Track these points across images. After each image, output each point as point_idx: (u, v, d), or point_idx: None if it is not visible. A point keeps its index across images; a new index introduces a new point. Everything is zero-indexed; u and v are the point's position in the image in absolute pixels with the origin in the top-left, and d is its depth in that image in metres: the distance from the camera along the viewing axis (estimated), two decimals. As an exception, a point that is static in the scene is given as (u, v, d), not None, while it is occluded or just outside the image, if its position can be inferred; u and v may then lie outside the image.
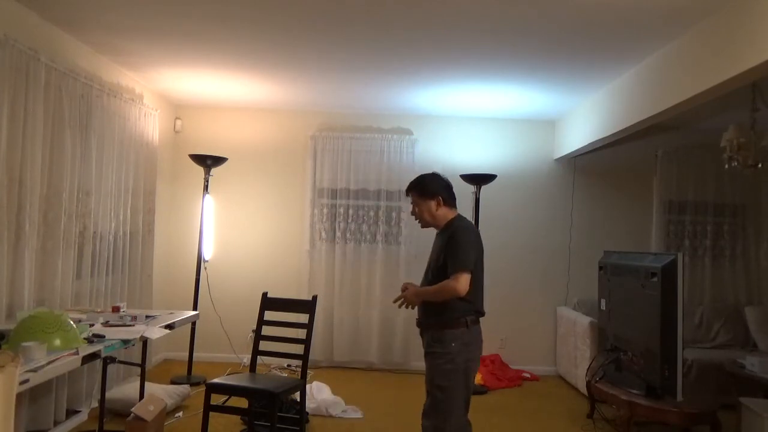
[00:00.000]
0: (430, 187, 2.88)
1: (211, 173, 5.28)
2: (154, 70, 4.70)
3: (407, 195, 2.95)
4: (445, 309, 2.72)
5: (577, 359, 5.05)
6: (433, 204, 2.85)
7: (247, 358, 4.88)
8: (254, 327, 3.74)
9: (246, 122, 5.92)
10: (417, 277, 5.92)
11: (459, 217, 2.89)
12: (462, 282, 2.64)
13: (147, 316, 3.46)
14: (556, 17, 3.29)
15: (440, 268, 2.75)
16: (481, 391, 5.03)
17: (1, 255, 3.18)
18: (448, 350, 2.70)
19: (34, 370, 2.22)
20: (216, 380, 3.37)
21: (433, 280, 2.79)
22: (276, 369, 5.44)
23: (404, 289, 2.85)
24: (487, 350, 5.66)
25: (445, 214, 2.86)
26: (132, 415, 3.37)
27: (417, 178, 2.94)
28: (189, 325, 5.11)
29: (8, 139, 3.22)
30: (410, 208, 2.98)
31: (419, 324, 2.88)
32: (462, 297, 2.67)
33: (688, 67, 3.43)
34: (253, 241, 5.86)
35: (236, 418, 3.99)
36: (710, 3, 3.02)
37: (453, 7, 3.22)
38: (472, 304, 2.75)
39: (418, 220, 2.94)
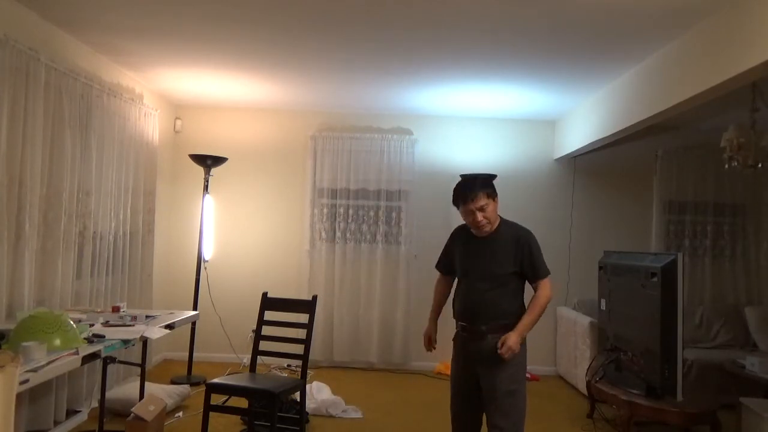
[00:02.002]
0: (493, 184, 2.75)
1: (211, 173, 5.28)
2: (154, 70, 4.70)
3: (474, 194, 2.64)
4: (516, 310, 2.68)
5: (577, 359, 5.05)
6: (497, 204, 2.73)
7: (247, 358, 4.88)
8: (254, 327, 3.74)
9: (246, 122, 5.92)
10: (417, 276, 5.90)
11: (506, 220, 2.81)
12: (550, 287, 2.68)
13: (147, 316, 3.46)
14: (556, 17, 3.29)
15: (510, 274, 2.67)
16: (481, 391, 5.03)
17: (1, 255, 3.18)
18: (521, 352, 2.64)
19: (34, 370, 2.22)
20: (216, 380, 3.37)
21: (496, 287, 2.67)
22: (276, 369, 5.44)
23: (502, 344, 2.56)
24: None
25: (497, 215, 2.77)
26: (132, 415, 3.37)
27: (483, 175, 2.71)
28: (189, 325, 5.11)
29: (8, 139, 3.21)
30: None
31: (480, 330, 2.68)
32: (521, 299, 2.71)
33: (688, 67, 3.43)
34: (253, 241, 5.86)
35: (236, 418, 3.99)
36: (710, 3, 3.02)
37: (453, 7, 3.22)
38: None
39: (485, 223, 2.68)
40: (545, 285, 2.68)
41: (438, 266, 3.03)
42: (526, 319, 2.63)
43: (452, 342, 2.88)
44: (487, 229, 2.70)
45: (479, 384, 2.70)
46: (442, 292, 3.01)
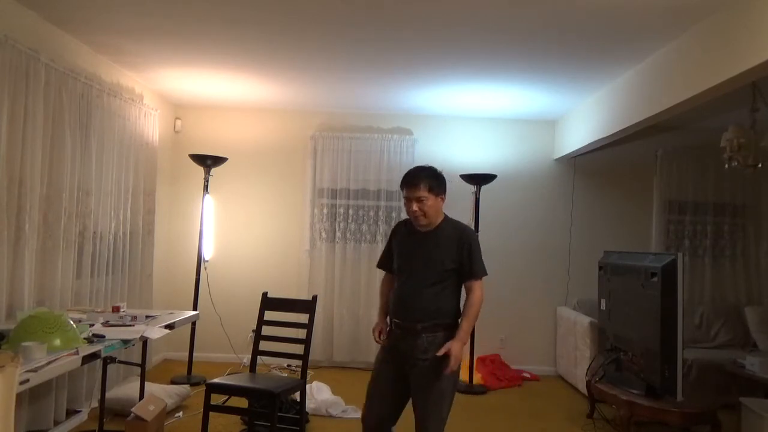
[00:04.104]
0: (443, 183, 2.68)
1: (211, 173, 5.28)
2: (154, 70, 4.70)
3: (415, 185, 2.61)
4: (452, 310, 2.64)
5: (577, 359, 5.05)
6: (441, 201, 2.67)
7: (247, 358, 4.88)
8: (254, 327, 3.74)
9: (246, 122, 5.92)
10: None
11: (450, 218, 2.75)
12: (482, 289, 2.63)
13: (147, 316, 3.46)
14: (556, 17, 3.29)
15: (448, 271, 2.62)
16: (481, 391, 5.03)
17: (1, 255, 3.18)
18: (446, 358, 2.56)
19: (34, 370, 2.22)
20: (216, 380, 3.37)
21: (433, 284, 2.61)
22: (276, 369, 5.44)
23: (447, 354, 2.50)
24: (486, 350, 5.68)
25: (440, 212, 2.71)
26: (132, 415, 3.37)
27: (429, 168, 2.68)
28: (189, 325, 5.11)
29: (8, 139, 3.21)
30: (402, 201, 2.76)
31: (415, 329, 2.60)
32: (458, 298, 2.67)
33: (688, 67, 3.43)
34: (253, 241, 5.86)
35: (236, 418, 3.98)
36: (710, 3, 3.02)
37: (453, 7, 3.22)
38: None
39: (419, 215, 2.62)
40: (478, 286, 2.62)
41: (379, 265, 2.91)
42: (465, 325, 2.58)
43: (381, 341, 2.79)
44: (422, 222, 2.65)
45: (404, 383, 2.65)
46: (387, 292, 2.83)
